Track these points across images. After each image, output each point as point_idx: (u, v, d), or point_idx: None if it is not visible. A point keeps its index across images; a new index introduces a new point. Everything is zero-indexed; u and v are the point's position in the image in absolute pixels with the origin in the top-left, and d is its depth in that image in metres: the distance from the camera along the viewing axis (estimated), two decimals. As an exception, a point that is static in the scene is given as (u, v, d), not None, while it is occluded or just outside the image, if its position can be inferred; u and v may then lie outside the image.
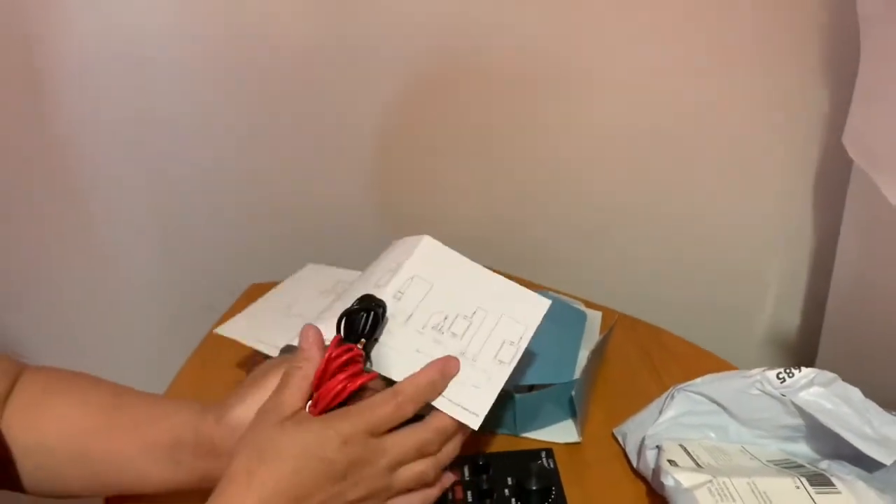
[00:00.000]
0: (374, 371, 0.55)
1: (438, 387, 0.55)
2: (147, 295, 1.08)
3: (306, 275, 0.86)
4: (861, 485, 0.57)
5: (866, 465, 0.59)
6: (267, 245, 1.06)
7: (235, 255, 1.06)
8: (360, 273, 0.70)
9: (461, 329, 0.60)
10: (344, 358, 0.53)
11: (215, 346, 0.83)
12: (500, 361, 0.59)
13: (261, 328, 0.76)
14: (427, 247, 0.64)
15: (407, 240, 0.67)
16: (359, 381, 0.52)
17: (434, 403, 0.55)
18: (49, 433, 0.59)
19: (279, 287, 0.85)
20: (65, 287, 1.00)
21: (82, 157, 0.95)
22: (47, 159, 0.93)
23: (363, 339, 0.56)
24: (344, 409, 0.51)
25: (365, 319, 0.57)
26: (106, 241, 1.02)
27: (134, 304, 1.07)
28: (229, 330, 0.77)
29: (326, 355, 0.53)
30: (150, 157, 1.00)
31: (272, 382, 0.55)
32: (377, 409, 0.52)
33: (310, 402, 0.53)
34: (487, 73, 0.92)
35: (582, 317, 0.81)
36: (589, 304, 0.85)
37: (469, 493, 0.61)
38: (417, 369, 0.56)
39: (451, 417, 0.54)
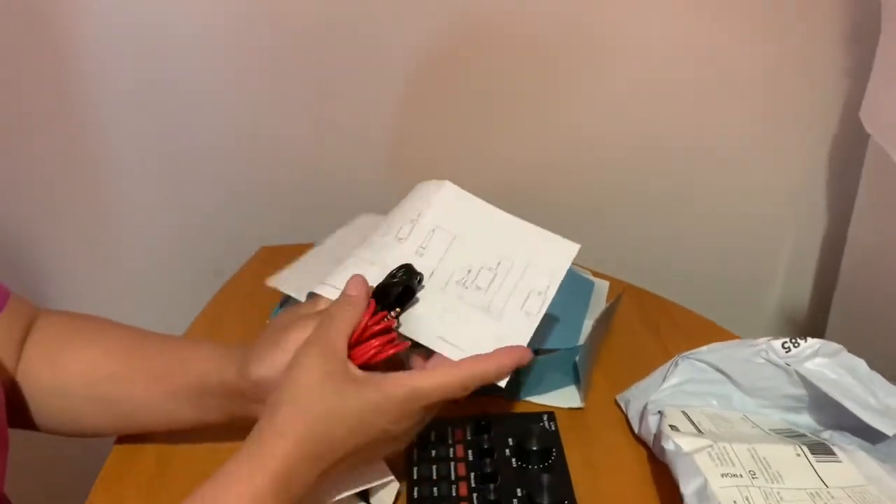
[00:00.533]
0: (406, 341, 0.55)
1: (504, 374, 0.54)
2: (157, 259, 1.08)
3: (357, 225, 0.82)
4: (862, 454, 0.57)
5: (869, 436, 0.59)
6: (278, 208, 1.06)
7: (246, 219, 1.07)
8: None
9: (486, 282, 0.59)
10: (379, 327, 0.54)
11: (220, 309, 0.84)
12: (527, 313, 0.58)
13: (311, 281, 0.72)
14: (448, 194, 0.63)
15: (429, 184, 0.65)
16: (390, 351, 0.53)
17: (457, 357, 0.55)
18: (70, 377, 0.60)
19: (331, 239, 0.80)
20: (72, 253, 1.01)
21: (95, 122, 0.96)
22: (61, 125, 0.94)
23: (397, 308, 0.56)
24: (410, 379, 0.51)
25: (402, 291, 0.57)
26: (116, 206, 1.03)
27: (143, 269, 1.07)
28: (279, 282, 0.73)
29: (362, 324, 0.53)
30: (161, 121, 1.00)
31: (293, 341, 0.54)
32: (443, 392, 0.52)
33: None
34: (505, 39, 0.91)
35: (589, 285, 0.81)
36: (597, 274, 0.85)
37: (470, 451, 0.62)
38: (445, 329, 0.56)
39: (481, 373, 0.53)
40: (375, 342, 0.53)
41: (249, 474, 0.47)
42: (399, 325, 0.56)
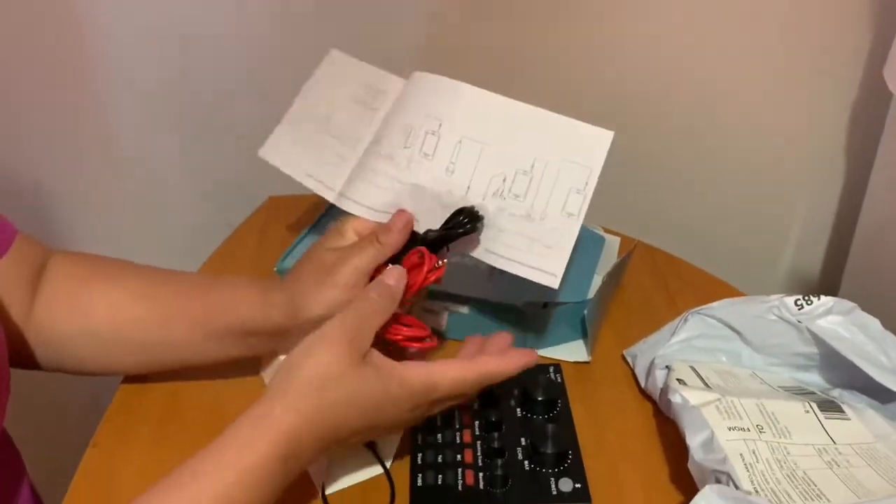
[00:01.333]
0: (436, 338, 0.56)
1: (515, 373, 0.53)
2: (167, 209, 1.08)
3: (333, 68, 0.74)
4: (871, 413, 0.56)
5: (879, 395, 0.58)
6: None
7: (256, 170, 1.06)
8: (381, 73, 0.68)
9: (522, 188, 0.57)
10: (431, 280, 0.55)
11: (228, 258, 0.84)
12: (569, 214, 0.56)
13: (305, 153, 0.70)
14: (467, 98, 0.60)
15: (438, 81, 0.62)
16: (416, 346, 0.54)
17: (509, 269, 0.56)
18: (97, 320, 0.58)
19: (309, 87, 0.74)
20: (82, 204, 1.00)
21: (106, 74, 0.95)
22: (73, 78, 0.93)
23: (447, 248, 0.56)
24: (431, 380, 0.50)
25: (459, 234, 0.57)
26: (126, 155, 1.02)
27: (154, 219, 1.07)
28: (274, 154, 0.72)
29: (421, 276, 0.54)
30: (171, 71, 0.99)
31: (344, 280, 0.55)
32: (458, 387, 0.51)
33: None
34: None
35: (600, 241, 0.80)
36: (608, 231, 0.84)
37: (475, 401, 0.61)
38: (491, 243, 0.57)
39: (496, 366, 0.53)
40: (405, 332, 0.54)
41: (250, 442, 0.45)
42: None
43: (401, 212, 0.58)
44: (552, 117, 0.58)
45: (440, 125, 0.60)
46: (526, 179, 0.57)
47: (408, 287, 0.54)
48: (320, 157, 0.67)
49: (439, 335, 0.70)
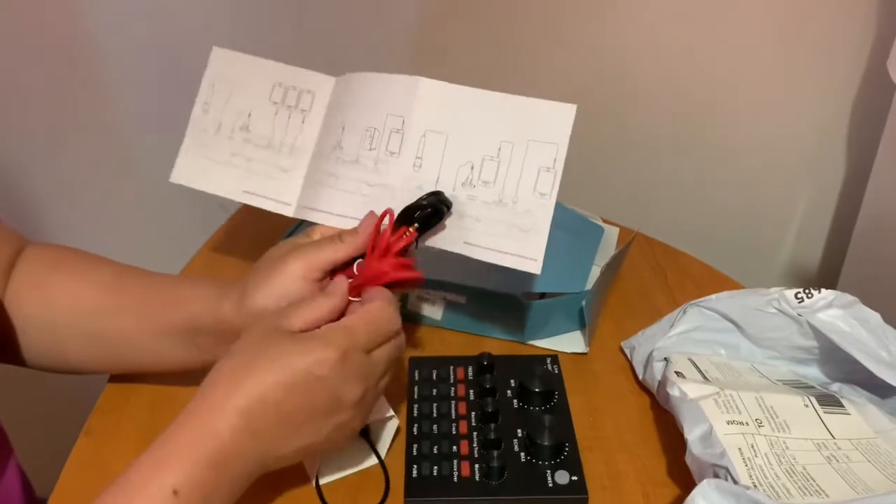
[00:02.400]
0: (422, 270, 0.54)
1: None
2: (163, 193, 1.07)
3: (226, 70, 0.66)
4: (872, 408, 0.56)
5: (879, 390, 0.58)
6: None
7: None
8: (295, 70, 0.64)
9: (491, 174, 0.57)
10: (403, 243, 0.53)
11: (225, 242, 0.83)
12: (542, 194, 0.55)
13: (231, 170, 0.64)
14: (427, 91, 0.59)
15: (392, 80, 0.60)
16: (404, 274, 0.52)
17: (489, 259, 0.55)
18: (58, 308, 0.58)
19: (205, 95, 0.66)
20: (80, 190, 0.99)
21: (105, 60, 0.94)
22: (70, 63, 0.91)
23: (415, 224, 0.54)
24: (343, 323, 0.49)
25: (429, 214, 0.55)
26: (123, 140, 1.01)
27: (150, 204, 1.06)
28: (189, 176, 0.65)
29: (384, 243, 0.53)
30: (169, 56, 0.97)
31: (294, 269, 0.53)
32: (379, 326, 0.49)
33: (349, 280, 0.53)
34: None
35: (599, 231, 0.80)
36: (607, 221, 0.83)
37: (471, 392, 0.61)
38: (466, 234, 0.56)
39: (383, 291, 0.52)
40: (390, 260, 0.52)
41: (188, 448, 0.44)
42: (417, 245, 0.55)
43: (370, 215, 0.56)
44: (512, 99, 0.57)
45: (403, 122, 0.59)
46: (494, 165, 0.57)
47: (379, 248, 0.53)
48: (255, 172, 0.63)
49: (437, 325, 0.70)
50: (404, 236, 0.53)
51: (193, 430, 0.45)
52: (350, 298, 0.52)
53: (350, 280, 0.53)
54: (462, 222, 0.56)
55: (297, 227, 0.76)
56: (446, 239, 0.56)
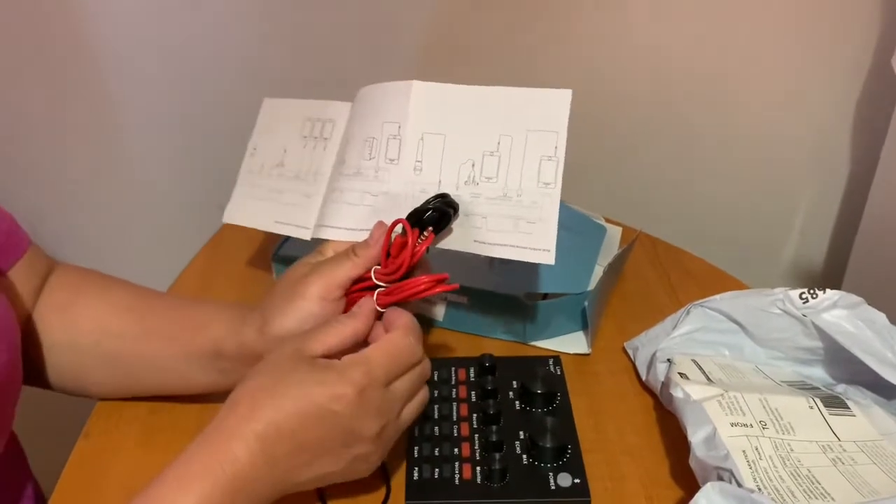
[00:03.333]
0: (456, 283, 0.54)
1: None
2: (160, 192, 1.07)
3: (271, 115, 0.72)
4: (877, 409, 0.55)
5: (884, 391, 0.57)
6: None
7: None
8: (322, 103, 0.66)
9: (493, 169, 0.56)
10: (425, 245, 0.53)
11: (222, 243, 0.83)
12: (546, 184, 0.55)
13: (269, 205, 0.67)
14: (420, 94, 0.59)
15: (388, 87, 0.61)
16: (438, 290, 0.52)
17: (501, 255, 0.54)
18: (81, 330, 0.59)
19: (254, 141, 0.71)
20: (76, 194, 0.99)
21: (104, 57, 0.94)
22: (66, 60, 0.91)
23: (430, 228, 0.54)
24: (363, 357, 0.48)
25: (439, 217, 0.55)
26: (120, 140, 1.01)
27: (147, 202, 1.06)
28: (237, 216, 0.69)
29: (409, 249, 0.52)
30: (167, 54, 0.97)
31: (314, 291, 0.53)
32: (399, 359, 0.49)
33: (379, 290, 0.53)
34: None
35: (601, 231, 0.79)
36: (610, 221, 0.83)
37: (473, 393, 0.60)
38: (476, 233, 0.55)
39: (407, 316, 0.52)
40: (425, 278, 0.51)
41: (208, 470, 0.44)
42: (429, 249, 0.55)
43: (379, 224, 0.56)
44: (506, 91, 0.57)
45: (399, 128, 0.59)
46: (494, 160, 0.56)
47: (401, 263, 0.53)
48: (285, 202, 0.65)
49: (438, 326, 0.70)
50: (421, 239, 0.53)
51: (213, 453, 0.45)
52: (378, 308, 0.53)
53: (376, 297, 0.53)
54: (469, 221, 0.56)
55: (285, 240, 0.76)
56: (456, 240, 0.56)
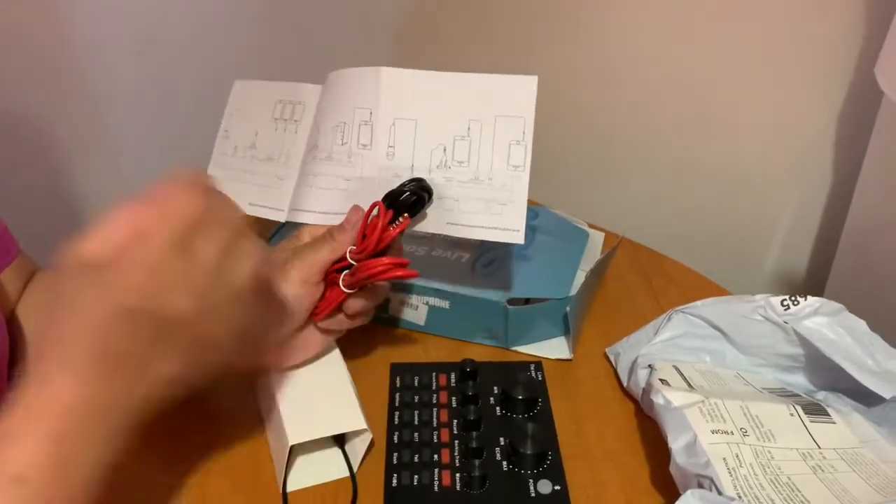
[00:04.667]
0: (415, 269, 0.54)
1: None
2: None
3: (242, 98, 0.72)
4: (857, 417, 0.55)
5: (864, 399, 0.57)
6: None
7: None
8: (293, 85, 0.67)
9: (464, 154, 0.58)
10: (398, 230, 0.54)
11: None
12: (515, 167, 0.57)
13: (243, 187, 0.67)
14: (390, 80, 0.60)
15: (357, 73, 0.62)
16: (398, 273, 0.52)
17: (473, 236, 0.56)
18: None
19: (225, 125, 0.71)
20: (63, 187, 0.98)
21: (95, 54, 0.93)
22: (58, 56, 0.90)
23: (405, 214, 0.56)
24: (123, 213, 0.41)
25: (414, 201, 0.56)
26: (110, 133, 1.00)
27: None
28: None
29: (378, 230, 0.53)
30: (156, 55, 0.96)
31: (295, 275, 0.54)
32: (168, 209, 0.41)
33: (345, 272, 0.54)
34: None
35: (584, 235, 0.79)
36: (592, 227, 0.83)
37: (454, 398, 0.60)
38: (448, 215, 0.57)
39: None
40: (386, 260, 0.53)
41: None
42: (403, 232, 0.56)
43: (355, 209, 0.56)
44: (475, 77, 0.59)
45: (371, 113, 0.60)
46: (465, 144, 0.58)
47: (370, 241, 0.54)
48: (258, 184, 0.67)
49: (420, 330, 0.69)
50: (397, 223, 0.54)
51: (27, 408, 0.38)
52: (346, 291, 0.54)
53: (342, 279, 0.54)
54: (442, 204, 0.58)
55: (280, 227, 0.76)
56: (429, 222, 0.58)
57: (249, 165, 0.68)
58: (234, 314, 0.43)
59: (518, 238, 0.56)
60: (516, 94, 0.58)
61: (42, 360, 0.39)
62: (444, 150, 0.58)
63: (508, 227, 0.56)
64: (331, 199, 0.61)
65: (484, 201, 0.57)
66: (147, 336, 0.40)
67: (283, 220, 0.64)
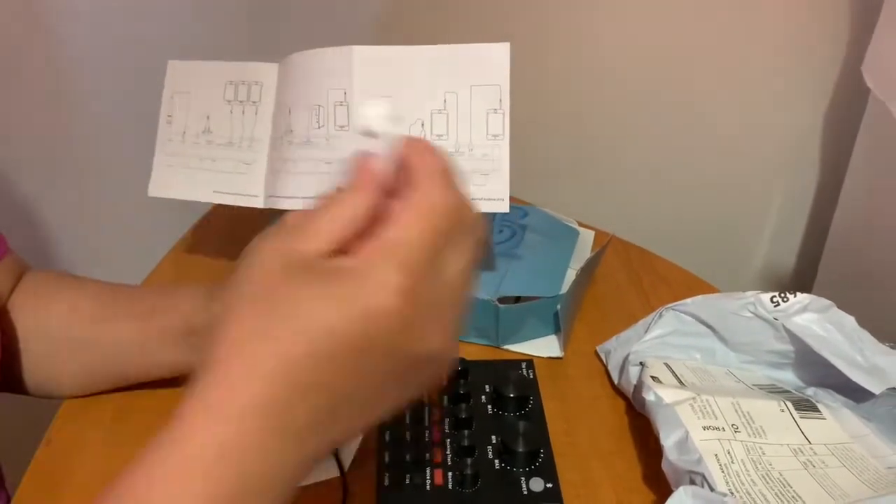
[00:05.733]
0: None
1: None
2: (136, 188, 1.05)
3: (181, 79, 0.68)
4: (847, 412, 0.56)
5: (854, 394, 0.57)
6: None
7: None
8: (241, 65, 0.65)
9: (443, 127, 0.58)
10: None
11: (201, 237, 0.82)
12: (494, 136, 0.57)
13: (201, 174, 0.65)
14: (362, 58, 0.59)
15: (326, 53, 0.60)
16: None
17: None
18: (54, 319, 0.60)
19: (166, 108, 0.68)
20: (53, 194, 0.98)
21: (77, 63, 0.92)
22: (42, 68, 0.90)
23: None
24: (393, 239, 0.32)
25: None
26: (95, 139, 0.99)
27: (123, 199, 1.04)
28: (165, 188, 0.67)
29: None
30: (142, 59, 0.95)
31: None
32: (443, 224, 0.33)
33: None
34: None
35: (574, 234, 0.79)
36: (582, 225, 0.83)
37: (445, 397, 0.60)
38: None
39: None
40: None
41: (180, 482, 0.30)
42: None
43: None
44: (447, 49, 0.59)
45: (345, 93, 0.59)
46: (443, 117, 0.58)
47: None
48: (222, 171, 0.65)
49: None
50: None
51: (184, 458, 0.30)
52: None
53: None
54: None
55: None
56: None
57: (207, 152, 0.65)
58: (459, 329, 0.35)
59: (503, 207, 0.56)
60: (490, 62, 0.58)
61: (219, 384, 0.31)
62: (423, 124, 0.58)
63: (492, 196, 0.56)
64: (312, 185, 0.60)
65: (466, 173, 0.56)
66: (376, 378, 0.31)
67: (259, 206, 0.63)
